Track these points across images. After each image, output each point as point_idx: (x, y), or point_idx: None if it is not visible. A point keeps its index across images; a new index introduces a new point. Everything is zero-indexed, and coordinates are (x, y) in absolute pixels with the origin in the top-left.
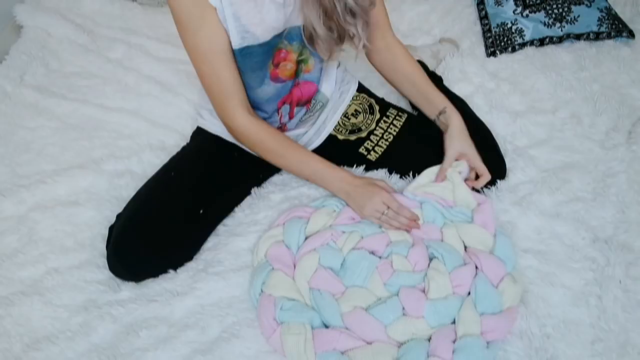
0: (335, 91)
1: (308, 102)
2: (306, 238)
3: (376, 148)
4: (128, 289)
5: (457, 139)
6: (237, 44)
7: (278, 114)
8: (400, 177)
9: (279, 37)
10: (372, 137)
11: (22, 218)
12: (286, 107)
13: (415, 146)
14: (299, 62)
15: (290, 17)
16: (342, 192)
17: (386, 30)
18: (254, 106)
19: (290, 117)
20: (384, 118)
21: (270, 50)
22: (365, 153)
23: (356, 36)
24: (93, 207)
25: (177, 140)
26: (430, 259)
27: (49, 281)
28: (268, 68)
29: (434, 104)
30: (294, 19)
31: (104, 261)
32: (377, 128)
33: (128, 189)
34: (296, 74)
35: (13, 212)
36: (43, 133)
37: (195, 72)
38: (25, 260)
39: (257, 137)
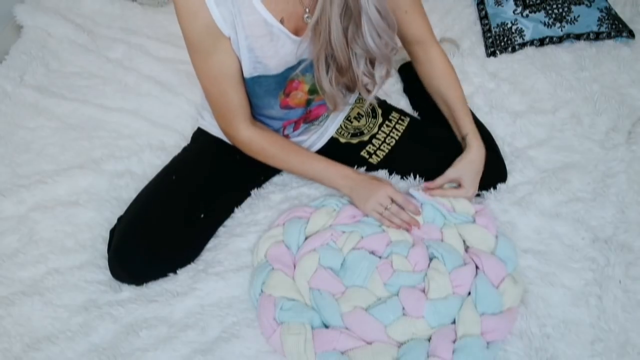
0: None
1: (315, 118)
2: (306, 238)
3: (378, 152)
4: (128, 290)
5: (463, 164)
6: (248, 73)
7: (283, 128)
8: (402, 177)
9: (292, 69)
10: (374, 140)
11: (22, 218)
12: (292, 124)
13: (417, 150)
14: (310, 92)
15: (305, 52)
16: (346, 187)
17: (429, 44)
18: (260, 122)
19: (294, 130)
20: (387, 122)
21: (282, 81)
22: (367, 156)
23: (371, 84)
24: (93, 208)
25: (177, 140)
26: (431, 259)
27: (49, 281)
28: (279, 97)
29: (459, 128)
30: (308, 53)
31: (104, 262)
32: (380, 132)
33: (128, 190)
34: (308, 103)
35: (13, 212)
36: (43, 133)
37: (201, 87)
38: (25, 261)
39: (258, 146)
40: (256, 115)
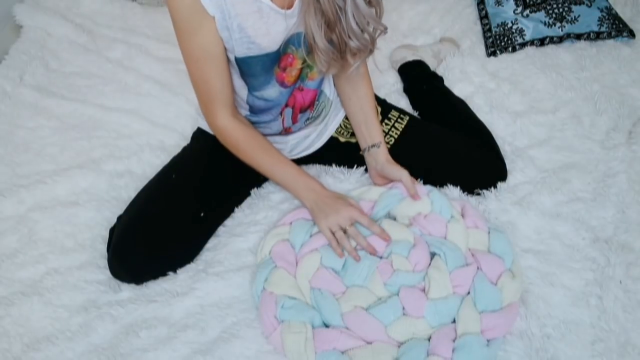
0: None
1: (311, 105)
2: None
3: None
4: (128, 290)
5: (395, 166)
6: (241, 53)
7: (281, 116)
8: None
9: (285, 44)
10: None
11: (22, 218)
12: (289, 110)
13: (417, 149)
14: (302, 69)
15: (295, 27)
16: (309, 200)
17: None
18: (258, 111)
19: (294, 122)
20: (386, 121)
21: (276, 56)
22: None
23: (356, 55)
24: (93, 208)
25: (177, 140)
26: (433, 255)
27: (49, 281)
28: (274, 71)
29: (371, 135)
30: (297, 27)
31: (104, 262)
32: None
33: (128, 190)
34: (300, 78)
35: (13, 212)
36: (42, 133)
37: (187, 71)
38: (25, 261)
39: (232, 138)
40: (253, 101)
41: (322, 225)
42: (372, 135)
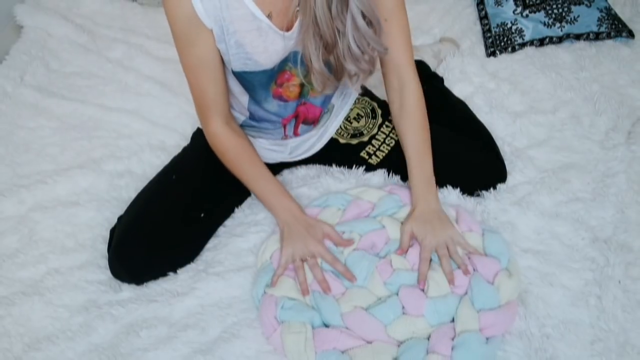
0: (339, 95)
1: (315, 121)
2: None
3: (378, 152)
4: (128, 289)
5: (410, 221)
6: (238, 68)
7: (283, 128)
8: (401, 178)
9: (282, 62)
10: (373, 141)
11: (23, 218)
12: (291, 122)
13: None
14: (303, 85)
15: (294, 47)
16: (283, 221)
17: (404, 71)
18: (258, 119)
19: (295, 134)
20: (386, 122)
21: (273, 74)
22: (367, 157)
23: (354, 77)
24: (93, 208)
25: (177, 140)
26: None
27: (50, 281)
28: (270, 88)
29: (409, 178)
30: (295, 45)
31: (104, 261)
32: (379, 133)
33: (128, 190)
34: (301, 94)
35: (13, 212)
36: (43, 133)
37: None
38: (25, 261)
39: (223, 145)
40: (255, 110)
41: (286, 249)
42: (409, 178)
